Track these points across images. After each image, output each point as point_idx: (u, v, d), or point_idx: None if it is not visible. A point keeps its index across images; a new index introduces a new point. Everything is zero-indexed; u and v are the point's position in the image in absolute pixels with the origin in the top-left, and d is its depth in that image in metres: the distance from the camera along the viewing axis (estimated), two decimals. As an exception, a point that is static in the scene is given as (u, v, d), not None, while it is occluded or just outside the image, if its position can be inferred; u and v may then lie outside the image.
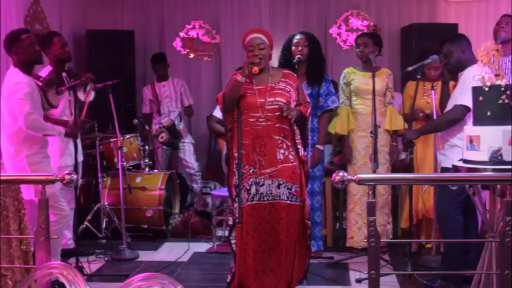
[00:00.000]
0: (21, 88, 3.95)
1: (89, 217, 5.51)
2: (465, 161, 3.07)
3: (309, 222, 3.79)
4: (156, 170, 6.05)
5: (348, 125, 5.00)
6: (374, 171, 4.43)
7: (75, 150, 4.38)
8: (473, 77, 3.17)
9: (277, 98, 3.69)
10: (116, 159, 5.66)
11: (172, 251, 5.23)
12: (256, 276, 3.71)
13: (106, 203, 5.60)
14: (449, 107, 4.03)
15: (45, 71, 4.65)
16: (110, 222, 5.57)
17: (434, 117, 4.62)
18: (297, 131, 3.79)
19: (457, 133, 3.91)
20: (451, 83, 4.49)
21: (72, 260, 4.46)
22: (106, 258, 5.01)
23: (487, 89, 3.01)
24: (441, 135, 4.20)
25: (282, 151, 3.71)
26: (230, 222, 3.82)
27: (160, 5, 7.25)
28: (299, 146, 3.78)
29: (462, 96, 3.80)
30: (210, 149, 6.99)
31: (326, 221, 5.27)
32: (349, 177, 2.74)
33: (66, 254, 4.64)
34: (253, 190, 3.71)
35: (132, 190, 5.44)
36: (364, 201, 4.91)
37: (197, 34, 7.15)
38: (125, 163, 5.40)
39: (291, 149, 3.74)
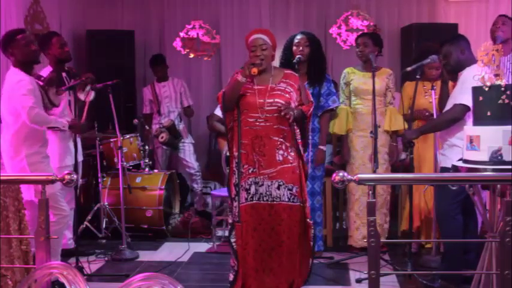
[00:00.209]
0: (24, 85, 3.96)
1: (89, 217, 5.51)
2: (465, 161, 3.07)
3: (311, 222, 3.79)
4: (156, 170, 6.05)
5: (346, 125, 5.00)
6: (374, 171, 4.43)
7: (75, 150, 4.38)
8: (473, 77, 3.18)
9: (276, 99, 3.69)
10: (116, 159, 5.66)
11: (172, 251, 5.23)
12: (257, 275, 3.72)
13: (106, 203, 5.60)
14: (448, 106, 4.03)
15: (45, 71, 4.66)
16: (110, 222, 5.57)
17: (435, 117, 4.61)
18: (297, 130, 3.79)
19: (456, 132, 3.91)
20: (450, 83, 4.49)
21: (72, 260, 4.46)
22: (106, 258, 5.01)
23: (487, 89, 3.01)
24: (440, 135, 4.20)
25: (281, 152, 3.71)
26: (230, 221, 3.83)
27: (160, 5, 7.25)
28: (300, 146, 3.78)
29: (461, 95, 3.80)
30: (210, 149, 6.99)
31: (326, 221, 5.27)
32: (349, 177, 2.74)
33: (66, 254, 4.64)
34: (252, 190, 3.71)
35: (132, 190, 5.44)
36: (362, 201, 4.92)
37: (197, 34, 7.15)
38: (125, 163, 5.40)
39: (290, 150, 3.74)
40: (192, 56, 7.20)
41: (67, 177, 2.88)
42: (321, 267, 4.66)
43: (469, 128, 3.10)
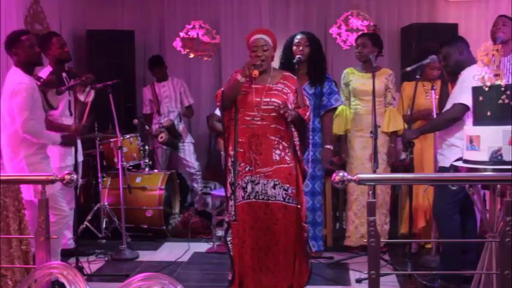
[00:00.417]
0: (23, 90, 3.93)
1: (89, 217, 5.51)
2: (465, 161, 3.07)
3: (306, 225, 3.79)
4: (156, 170, 6.05)
5: (345, 125, 5.01)
6: (374, 171, 4.43)
7: (75, 150, 4.38)
8: (473, 77, 3.18)
9: (273, 99, 3.70)
10: (116, 159, 5.66)
11: (172, 251, 5.23)
12: (254, 274, 3.72)
13: (106, 203, 5.60)
14: (448, 106, 4.04)
15: (45, 71, 4.65)
16: (110, 222, 5.57)
17: (435, 116, 4.61)
18: (295, 133, 3.79)
19: (455, 132, 3.91)
20: (450, 84, 4.49)
21: (72, 260, 4.46)
22: (106, 258, 5.01)
23: (487, 89, 3.01)
24: (439, 135, 4.20)
25: (278, 152, 3.72)
26: (226, 220, 3.83)
27: (160, 5, 7.25)
28: (297, 149, 3.77)
29: (461, 95, 3.81)
30: (210, 149, 6.98)
31: (326, 221, 5.27)
32: (349, 177, 2.74)
33: (66, 254, 4.64)
34: (249, 188, 3.73)
35: (132, 190, 5.44)
36: (360, 201, 4.92)
37: (197, 34, 7.15)
38: (125, 163, 5.40)
39: (287, 150, 3.75)
40: (192, 56, 7.20)
41: (67, 177, 2.88)
42: (321, 267, 4.66)
43: (469, 128, 3.10)
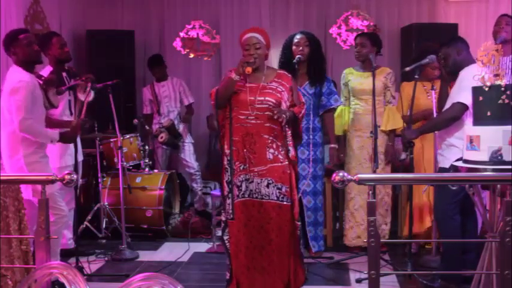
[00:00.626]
0: (23, 87, 3.93)
1: (89, 217, 5.51)
2: (465, 161, 3.07)
3: (298, 223, 3.79)
4: (156, 170, 6.05)
5: (343, 125, 5.01)
6: (374, 171, 4.43)
7: (75, 150, 4.38)
8: (473, 76, 3.18)
9: (267, 98, 3.70)
10: (116, 159, 5.66)
11: (172, 251, 5.23)
12: (248, 273, 3.73)
13: (106, 203, 5.60)
14: (447, 105, 4.04)
15: (46, 70, 4.65)
16: (110, 222, 5.57)
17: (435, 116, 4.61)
18: (289, 132, 3.78)
19: (454, 132, 3.91)
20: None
21: (72, 260, 4.46)
22: (106, 258, 5.01)
23: (487, 89, 3.02)
24: (439, 135, 4.20)
25: (271, 151, 3.71)
26: (223, 219, 3.83)
27: (160, 5, 7.25)
28: (290, 148, 3.77)
29: (460, 94, 3.81)
30: (210, 149, 6.98)
31: (326, 221, 5.27)
32: (349, 177, 2.74)
33: (66, 254, 4.64)
34: (243, 187, 3.73)
35: (132, 190, 5.44)
36: (357, 201, 4.93)
37: (197, 34, 7.15)
38: (125, 163, 5.40)
39: (281, 149, 3.74)
40: (192, 56, 7.20)
41: (67, 177, 2.88)
42: (321, 267, 4.66)
43: (469, 128, 3.10)
